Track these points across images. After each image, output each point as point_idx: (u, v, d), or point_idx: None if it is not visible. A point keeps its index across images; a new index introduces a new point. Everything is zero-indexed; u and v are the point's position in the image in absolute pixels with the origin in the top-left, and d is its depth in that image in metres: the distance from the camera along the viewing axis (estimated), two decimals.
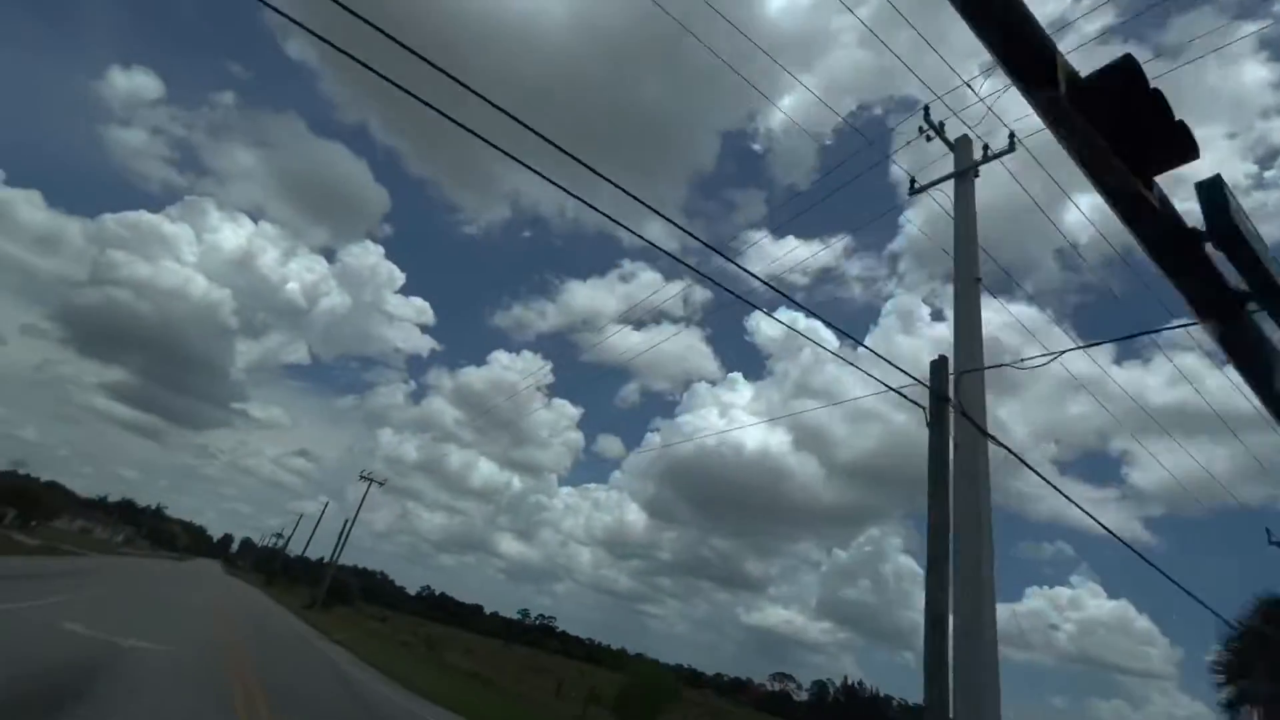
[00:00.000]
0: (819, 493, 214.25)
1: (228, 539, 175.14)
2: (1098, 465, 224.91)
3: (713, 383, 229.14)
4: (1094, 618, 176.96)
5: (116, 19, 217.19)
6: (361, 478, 43.63)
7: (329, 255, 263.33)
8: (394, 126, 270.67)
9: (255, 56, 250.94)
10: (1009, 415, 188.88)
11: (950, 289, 7.85)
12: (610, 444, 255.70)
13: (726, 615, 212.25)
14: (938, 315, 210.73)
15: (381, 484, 45.71)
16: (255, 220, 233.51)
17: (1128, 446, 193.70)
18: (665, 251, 4.62)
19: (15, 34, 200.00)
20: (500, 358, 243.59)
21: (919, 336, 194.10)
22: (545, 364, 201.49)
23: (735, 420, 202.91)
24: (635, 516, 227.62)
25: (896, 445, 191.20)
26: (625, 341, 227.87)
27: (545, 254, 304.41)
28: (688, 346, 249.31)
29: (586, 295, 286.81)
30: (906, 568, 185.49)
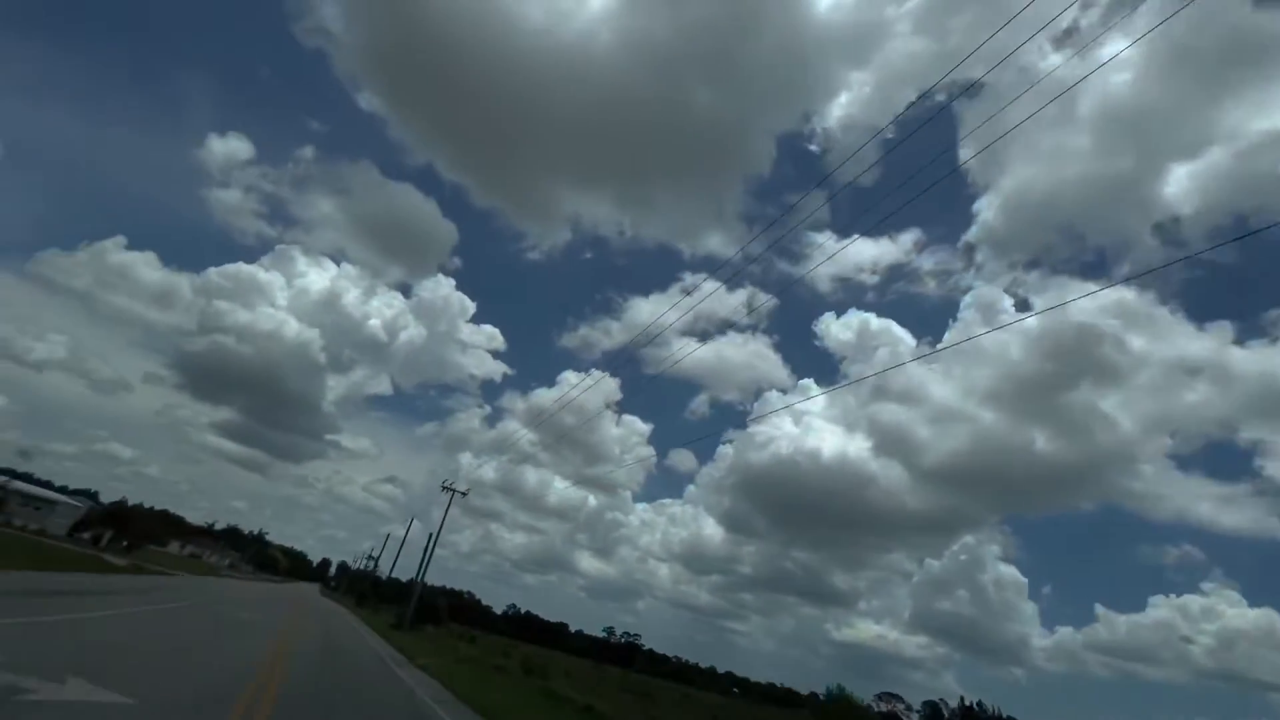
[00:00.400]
0: (904, 500, 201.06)
1: (325, 563, 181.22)
2: (1224, 458, 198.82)
3: (783, 390, 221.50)
4: (1234, 628, 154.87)
5: (210, 92, 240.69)
6: (443, 488, 42.76)
7: (405, 290, 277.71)
8: (458, 163, 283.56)
9: (329, 110, 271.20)
10: (1113, 407, 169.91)
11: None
12: (682, 458, 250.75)
13: (814, 630, 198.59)
14: (1023, 305, 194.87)
15: (464, 494, 43.60)
16: (338, 263, 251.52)
17: (1260, 435, 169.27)
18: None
19: (127, 116, 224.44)
20: (569, 378, 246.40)
21: (1004, 330, 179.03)
22: (613, 381, 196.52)
23: (810, 428, 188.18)
24: (712, 531, 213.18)
25: (987, 446, 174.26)
26: (691, 354, 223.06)
27: (607, 273, 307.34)
28: (755, 354, 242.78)
29: (650, 310, 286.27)
30: (1007, 577, 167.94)
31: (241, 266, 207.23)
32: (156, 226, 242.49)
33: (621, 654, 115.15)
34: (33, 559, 22.10)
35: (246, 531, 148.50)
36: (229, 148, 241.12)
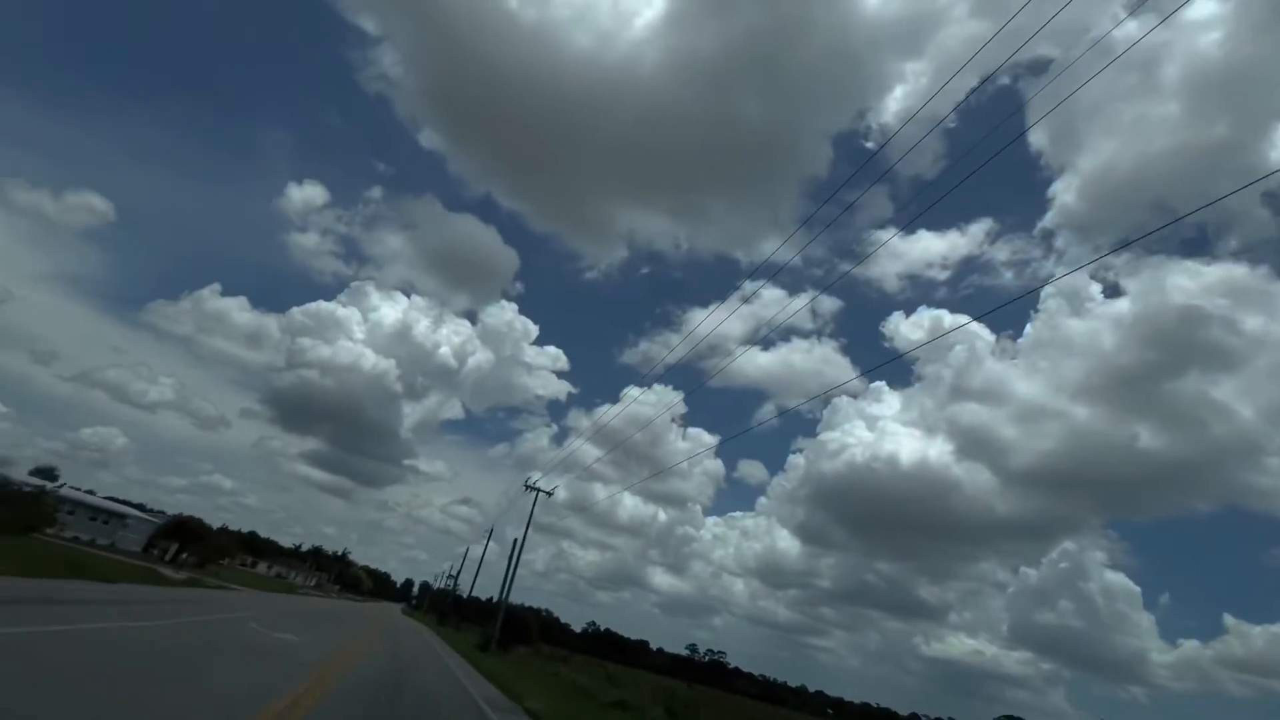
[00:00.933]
0: (993, 505, 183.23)
1: (409, 583, 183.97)
2: None
3: (854, 395, 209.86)
4: None
5: (288, 145, 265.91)
6: (527, 487, 38.19)
7: (471, 317, 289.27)
8: (515, 191, 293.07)
9: (394, 151, 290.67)
10: (1227, 395, 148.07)
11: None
12: (752, 469, 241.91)
13: (903, 646, 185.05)
14: (1113, 291, 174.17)
15: (549, 494, 38.38)
16: (408, 295, 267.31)
17: None
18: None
19: (217, 174, 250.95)
20: (633, 393, 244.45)
21: (1093, 317, 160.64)
22: (677, 394, 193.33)
23: (885, 432, 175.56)
24: (787, 543, 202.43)
25: (1084, 444, 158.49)
26: (755, 362, 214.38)
27: (665, 287, 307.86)
28: (823, 360, 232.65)
29: (710, 321, 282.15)
30: (1117, 586, 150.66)
31: (321, 304, 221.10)
32: (246, 272, 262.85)
33: (708, 673, 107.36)
34: (54, 566, 18.02)
35: (330, 552, 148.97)
36: (306, 194, 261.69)
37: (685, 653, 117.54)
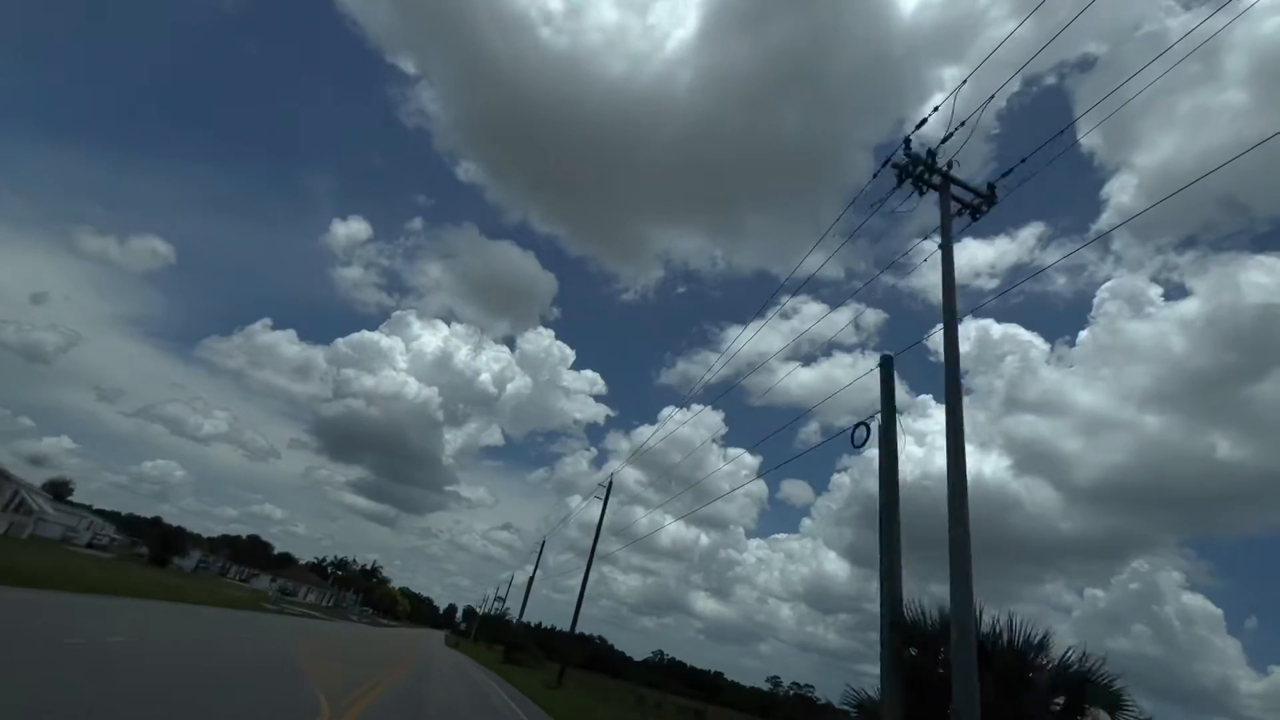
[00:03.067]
0: (1056, 522, 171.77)
1: (452, 609, 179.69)
2: None
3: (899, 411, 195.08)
4: None
5: (331, 183, 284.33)
6: (601, 486, 35.57)
7: (510, 343, 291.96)
8: (551, 215, 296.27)
9: (433, 183, 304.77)
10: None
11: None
12: (796, 489, 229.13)
13: None
14: (1178, 292, 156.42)
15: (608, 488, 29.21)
16: (448, 324, 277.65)
17: None
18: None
19: (267, 215, 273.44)
20: (671, 414, 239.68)
21: (1157, 320, 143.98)
22: (717, 414, 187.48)
23: (935, 448, 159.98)
24: (835, 566, 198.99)
25: (1154, 457, 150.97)
26: (797, 379, 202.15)
27: (702, 306, 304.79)
28: (869, 373, 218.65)
29: (749, 339, 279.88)
30: (1195, 608, 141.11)
31: (365, 334, 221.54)
32: (294, 307, 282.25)
33: (799, 711, 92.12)
34: None
35: (359, 566, 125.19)
36: (350, 229, 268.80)
37: (768, 687, 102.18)
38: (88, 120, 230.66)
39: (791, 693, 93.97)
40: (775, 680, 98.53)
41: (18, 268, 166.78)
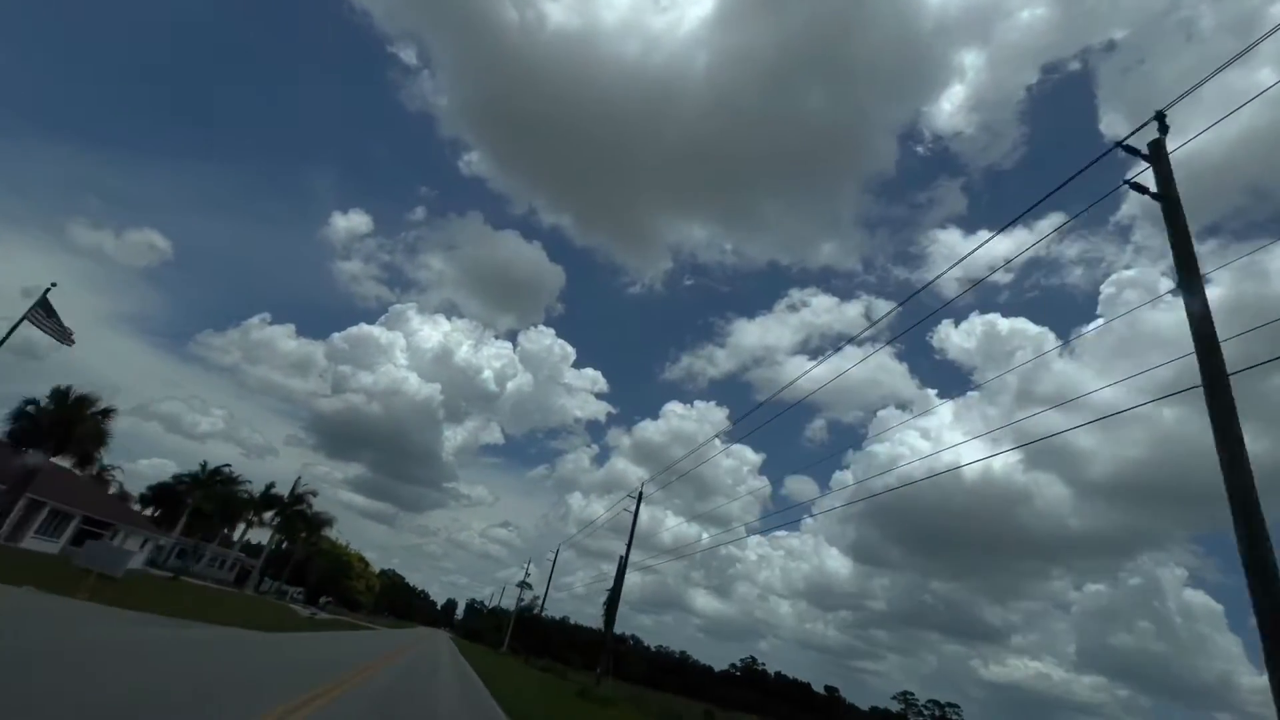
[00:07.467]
0: (1065, 518, 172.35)
1: (451, 604, 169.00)
2: None
3: (902, 406, 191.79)
4: None
5: (332, 176, 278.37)
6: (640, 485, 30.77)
7: (513, 338, 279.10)
8: (557, 204, 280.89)
9: (437, 173, 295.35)
10: None
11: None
12: (799, 486, 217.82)
13: (961, 670, 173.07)
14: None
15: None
16: (450, 318, 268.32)
17: None
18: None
19: (266, 208, 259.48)
20: (675, 409, 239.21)
21: (1171, 309, 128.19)
22: (721, 410, 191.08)
23: (942, 442, 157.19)
24: (837, 563, 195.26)
25: (1168, 451, 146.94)
26: (806, 374, 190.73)
27: (710, 299, 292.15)
28: (879, 367, 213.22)
29: (756, 333, 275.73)
30: (1198, 605, 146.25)
31: (363, 328, 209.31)
32: (293, 302, 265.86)
33: None
34: None
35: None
36: (350, 223, 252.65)
37: (895, 706, 79.20)
38: (81, 113, 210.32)
39: (928, 712, 70.62)
40: (908, 696, 74.32)
41: (10, 263, 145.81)
